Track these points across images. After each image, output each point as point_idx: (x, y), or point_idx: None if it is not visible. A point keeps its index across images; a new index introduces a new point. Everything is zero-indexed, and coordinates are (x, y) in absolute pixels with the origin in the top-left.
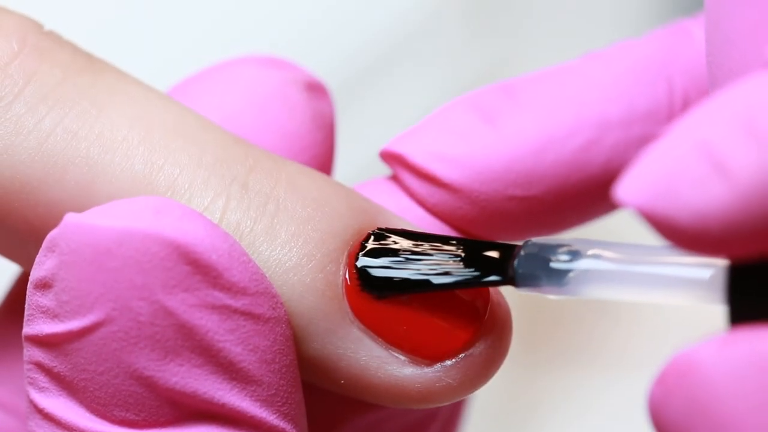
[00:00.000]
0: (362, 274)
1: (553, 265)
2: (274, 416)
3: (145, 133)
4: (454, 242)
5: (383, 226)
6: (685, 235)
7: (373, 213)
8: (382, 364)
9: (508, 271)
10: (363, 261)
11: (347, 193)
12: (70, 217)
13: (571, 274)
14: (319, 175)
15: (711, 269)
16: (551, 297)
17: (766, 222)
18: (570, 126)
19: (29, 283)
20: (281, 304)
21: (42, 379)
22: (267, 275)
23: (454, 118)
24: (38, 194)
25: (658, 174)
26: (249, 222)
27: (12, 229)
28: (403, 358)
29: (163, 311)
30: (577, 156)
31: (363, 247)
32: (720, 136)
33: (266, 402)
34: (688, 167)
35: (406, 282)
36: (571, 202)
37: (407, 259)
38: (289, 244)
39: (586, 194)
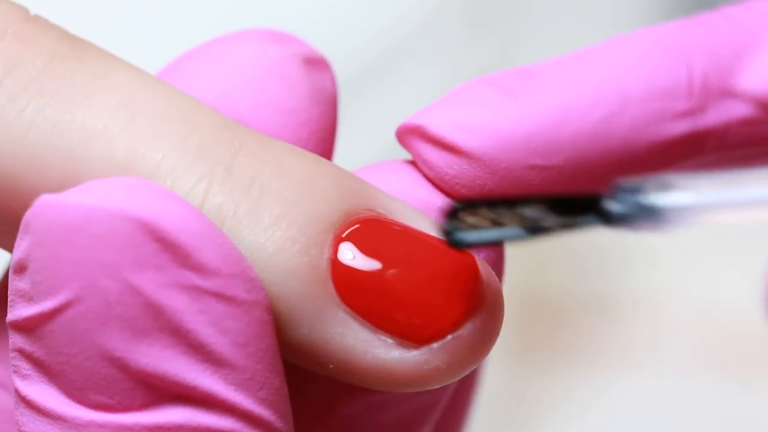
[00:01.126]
0: (448, 233)
1: (647, 200)
2: (250, 401)
3: (128, 120)
4: (537, 199)
5: (378, 207)
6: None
7: (364, 194)
8: (369, 347)
9: (601, 211)
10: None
11: (337, 174)
12: (42, 198)
13: (667, 208)
14: (309, 156)
15: None
16: (646, 232)
17: None
18: (591, 98)
19: (10, 269)
20: (259, 288)
21: (24, 366)
22: (249, 259)
23: (474, 92)
24: (22, 185)
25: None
26: (232, 206)
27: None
28: (390, 341)
29: (131, 290)
30: (598, 127)
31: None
32: None
33: (241, 386)
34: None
35: (501, 234)
36: (591, 174)
37: (495, 220)
38: (272, 228)
39: (606, 167)
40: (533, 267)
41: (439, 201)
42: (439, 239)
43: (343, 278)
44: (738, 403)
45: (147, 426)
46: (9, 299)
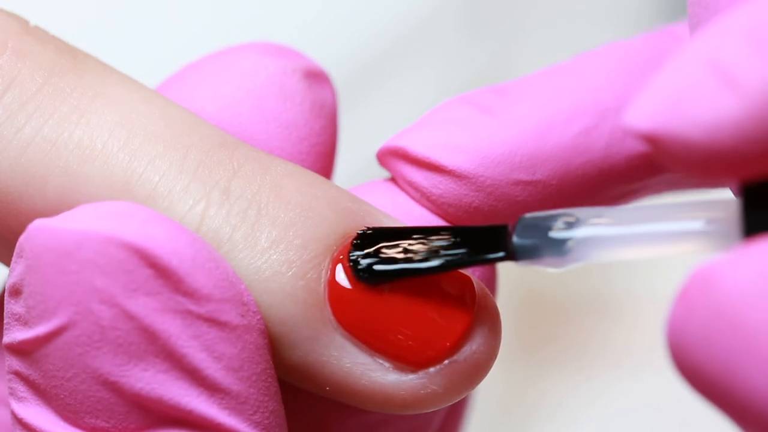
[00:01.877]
0: (355, 266)
1: (552, 234)
2: (245, 425)
3: (126, 139)
4: (447, 231)
5: (371, 226)
6: (697, 153)
7: (361, 214)
8: (366, 371)
9: (507, 246)
10: (355, 255)
11: (334, 194)
12: (35, 223)
13: (570, 242)
14: (306, 177)
15: (703, 220)
16: (551, 270)
17: None
18: (568, 112)
19: (5, 292)
20: (253, 311)
21: (20, 389)
22: (246, 283)
23: (451, 112)
24: (19, 204)
25: (667, 95)
26: (228, 229)
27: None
28: (387, 364)
29: (125, 315)
30: (578, 140)
31: (355, 245)
32: (727, 52)
33: (235, 410)
34: (697, 84)
35: (403, 269)
36: (575, 187)
37: (404, 249)
38: (269, 252)
39: (589, 179)
40: (533, 269)
41: (432, 221)
42: None
43: (339, 301)
44: None
45: None
46: (5, 322)
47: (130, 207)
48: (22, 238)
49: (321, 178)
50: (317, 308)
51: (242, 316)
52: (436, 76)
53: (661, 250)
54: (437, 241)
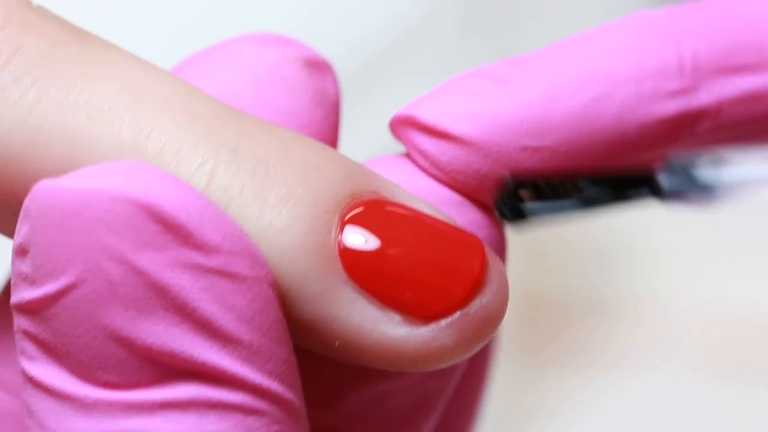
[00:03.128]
0: (510, 208)
1: (701, 176)
2: (258, 374)
3: (133, 102)
4: (590, 172)
5: (382, 191)
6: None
7: (367, 179)
8: (377, 324)
9: (654, 186)
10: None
11: (342, 158)
12: (40, 183)
13: (718, 184)
14: (313, 141)
15: None
16: (700, 208)
17: None
18: (580, 80)
19: (12, 252)
20: (262, 264)
21: (30, 347)
22: (256, 238)
23: (464, 82)
24: (25, 166)
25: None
26: (238, 185)
27: (1, 204)
28: (397, 318)
29: (134, 271)
30: (588, 108)
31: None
32: None
33: (248, 360)
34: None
35: (557, 206)
36: (585, 154)
37: (549, 192)
38: (279, 206)
39: (599, 147)
40: (534, 267)
41: (440, 191)
42: (445, 222)
43: (350, 257)
44: (742, 404)
45: (157, 402)
46: (12, 281)
47: (137, 165)
48: (27, 199)
49: (326, 145)
50: (328, 261)
51: (251, 267)
52: (435, 76)
53: None
54: (580, 182)
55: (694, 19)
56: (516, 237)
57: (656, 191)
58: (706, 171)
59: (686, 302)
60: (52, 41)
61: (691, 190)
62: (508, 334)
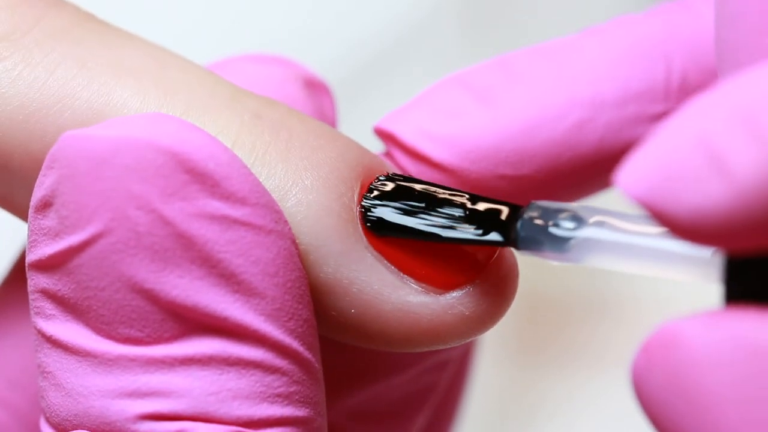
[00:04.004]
0: (369, 213)
1: (554, 231)
2: (279, 331)
3: (159, 67)
4: (464, 194)
5: (389, 170)
6: (682, 230)
7: (377, 157)
8: (395, 289)
9: (510, 233)
10: (372, 201)
11: (350, 138)
12: (68, 132)
13: (572, 242)
14: (324, 123)
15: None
16: (552, 262)
17: (763, 221)
18: (562, 105)
19: (30, 209)
20: (285, 220)
21: (48, 306)
22: (280, 196)
23: (445, 96)
24: (46, 123)
25: (657, 165)
26: (263, 145)
27: (16, 167)
28: (415, 286)
29: (161, 220)
30: (569, 135)
31: (373, 188)
32: (720, 130)
33: (270, 316)
34: (686, 161)
35: (411, 230)
36: (563, 181)
37: (414, 208)
38: (304, 166)
39: (579, 173)
40: (534, 268)
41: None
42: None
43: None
44: None
45: (177, 358)
46: (30, 240)
47: (165, 116)
48: (53, 149)
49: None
50: (351, 224)
51: (276, 222)
52: (433, 77)
53: (662, 272)
54: (451, 206)
55: (683, 27)
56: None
57: (511, 241)
58: (563, 228)
59: (686, 303)
60: (72, 15)
61: (545, 243)
62: (508, 334)
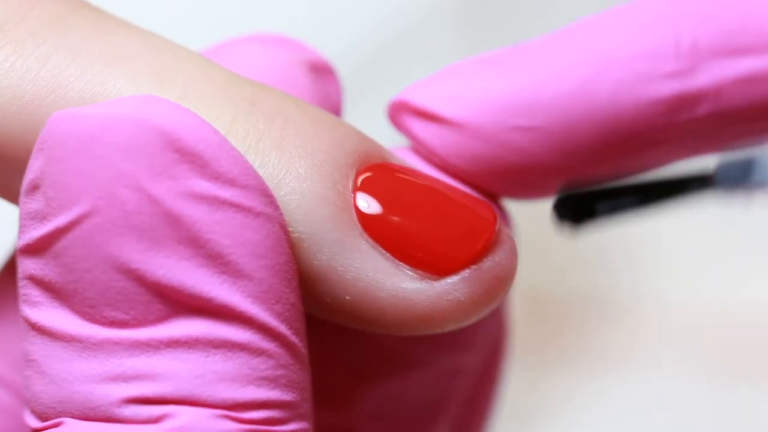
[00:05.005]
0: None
1: (752, 159)
2: (266, 314)
3: (154, 54)
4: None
5: (388, 157)
6: None
7: (378, 144)
8: (390, 276)
9: (709, 179)
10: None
11: (351, 126)
12: (57, 113)
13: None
14: (323, 110)
15: None
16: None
17: None
18: (572, 61)
19: (20, 194)
20: (276, 204)
21: (34, 293)
22: (274, 183)
23: (457, 66)
24: (39, 113)
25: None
26: (257, 134)
27: (11, 158)
28: (410, 272)
29: (149, 199)
30: (580, 87)
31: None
32: None
33: (258, 298)
34: None
35: (620, 204)
36: (580, 134)
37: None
38: (298, 154)
39: (593, 126)
40: (536, 267)
41: (446, 179)
42: (454, 187)
43: (364, 213)
44: (743, 404)
45: (163, 340)
46: (20, 225)
47: (156, 97)
48: (43, 131)
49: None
50: (346, 211)
51: (266, 205)
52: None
53: None
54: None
55: (693, 3)
56: (516, 237)
57: (712, 182)
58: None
59: (687, 302)
60: (67, 4)
61: (746, 180)
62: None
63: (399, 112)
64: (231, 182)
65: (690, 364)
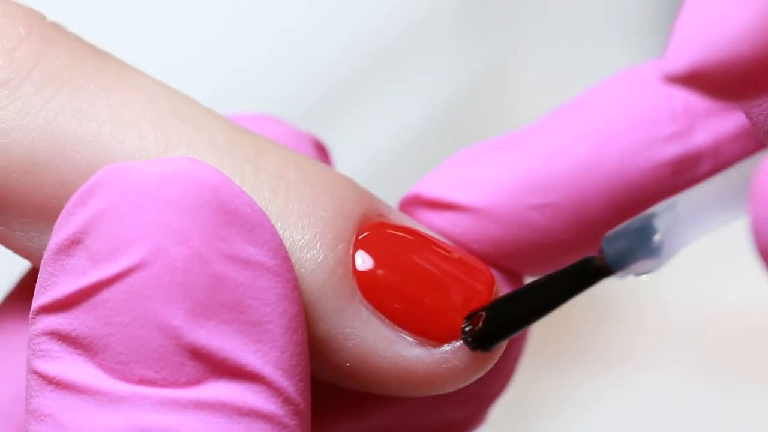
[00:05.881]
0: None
1: (648, 237)
2: (294, 389)
3: (156, 117)
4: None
5: (387, 212)
6: (729, 73)
7: (375, 201)
8: (390, 344)
9: (595, 263)
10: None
11: (350, 180)
12: (110, 165)
13: (657, 237)
14: (322, 164)
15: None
16: (645, 275)
17: None
18: (577, 135)
19: (47, 252)
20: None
21: (55, 348)
22: None
23: (464, 156)
24: (46, 174)
25: (687, 32)
26: (263, 202)
27: (15, 212)
28: (410, 339)
29: (199, 258)
30: (589, 160)
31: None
32: None
33: (287, 372)
34: (710, 11)
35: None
36: (593, 205)
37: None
38: (301, 223)
39: (604, 196)
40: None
41: (443, 238)
42: (452, 247)
43: (365, 275)
44: (742, 404)
45: (192, 401)
46: (40, 285)
47: (200, 161)
48: (91, 182)
49: (333, 168)
50: (346, 280)
51: (296, 279)
52: (431, 79)
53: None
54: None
55: None
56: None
57: (604, 267)
58: (653, 229)
59: (687, 303)
60: (72, 54)
61: (638, 251)
62: None
63: (413, 207)
64: (274, 251)
65: (690, 364)
